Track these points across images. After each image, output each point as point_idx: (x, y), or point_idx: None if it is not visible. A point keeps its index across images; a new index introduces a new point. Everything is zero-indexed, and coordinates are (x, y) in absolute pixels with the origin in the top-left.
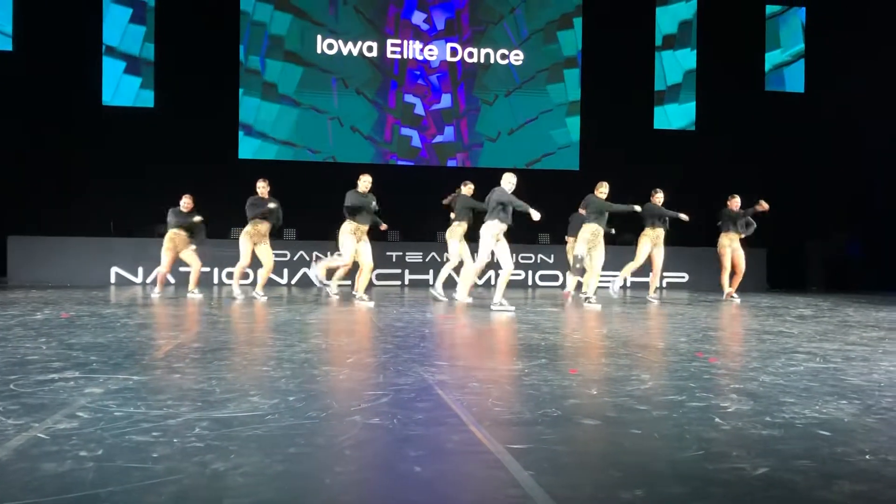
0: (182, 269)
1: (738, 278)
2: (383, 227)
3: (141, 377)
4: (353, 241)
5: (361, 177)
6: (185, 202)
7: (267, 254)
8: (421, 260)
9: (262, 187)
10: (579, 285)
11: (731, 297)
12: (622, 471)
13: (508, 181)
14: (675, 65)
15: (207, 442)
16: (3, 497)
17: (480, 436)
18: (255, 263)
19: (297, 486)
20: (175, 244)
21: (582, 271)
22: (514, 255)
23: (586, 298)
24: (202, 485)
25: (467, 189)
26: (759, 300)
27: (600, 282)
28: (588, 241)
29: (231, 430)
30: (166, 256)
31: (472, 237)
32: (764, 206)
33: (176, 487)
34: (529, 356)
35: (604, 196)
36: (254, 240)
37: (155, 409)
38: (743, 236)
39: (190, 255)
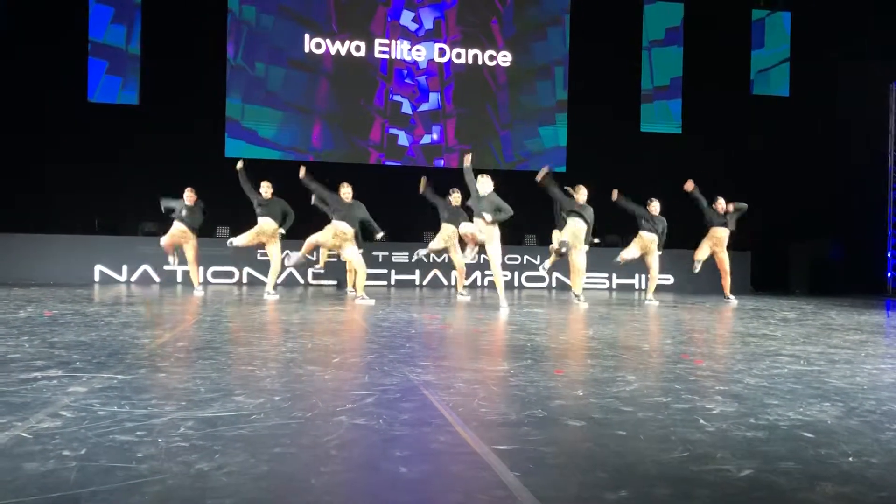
0: (166, 267)
1: (726, 280)
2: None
3: (125, 376)
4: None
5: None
6: (188, 195)
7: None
8: (407, 260)
9: (266, 187)
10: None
11: (727, 298)
12: (607, 472)
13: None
14: (663, 67)
15: (192, 441)
16: None
17: (466, 436)
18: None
19: (282, 487)
20: (174, 236)
21: (559, 252)
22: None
23: (576, 296)
24: (186, 485)
25: (454, 198)
26: (744, 303)
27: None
28: (572, 237)
29: (216, 429)
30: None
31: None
32: (689, 185)
33: (160, 487)
34: (515, 357)
35: (582, 199)
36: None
37: (139, 408)
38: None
39: (190, 249)
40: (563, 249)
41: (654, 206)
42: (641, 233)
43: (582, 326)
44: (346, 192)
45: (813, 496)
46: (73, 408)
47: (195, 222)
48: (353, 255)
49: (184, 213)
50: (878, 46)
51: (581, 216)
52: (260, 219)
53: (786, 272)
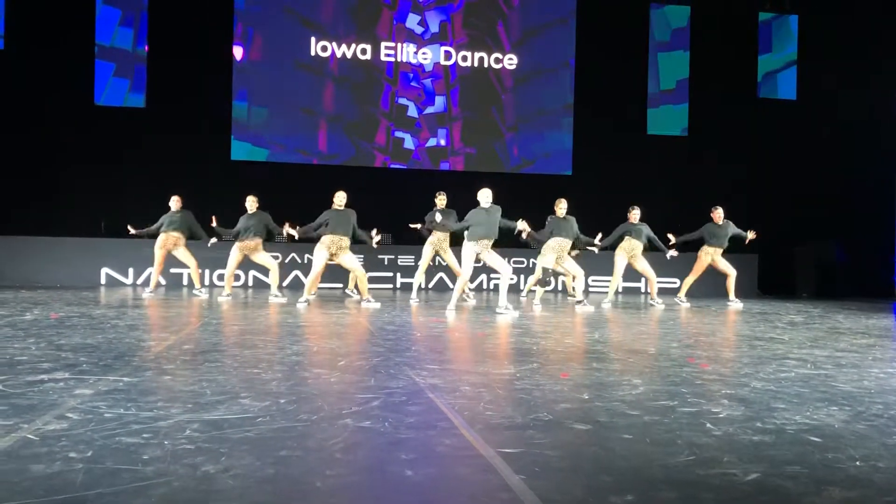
0: (173, 270)
1: (732, 280)
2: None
3: (131, 378)
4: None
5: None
6: (175, 203)
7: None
8: (413, 263)
9: (252, 201)
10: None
11: (730, 300)
12: (613, 475)
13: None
14: (669, 70)
15: (198, 444)
16: None
17: (472, 440)
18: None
19: (287, 489)
20: (165, 244)
21: (545, 282)
22: (507, 259)
23: (578, 301)
24: (192, 487)
25: (440, 200)
26: (750, 306)
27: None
28: (556, 253)
29: (222, 432)
30: (158, 255)
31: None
32: (752, 235)
33: (166, 489)
34: (521, 360)
35: (561, 213)
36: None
37: (145, 410)
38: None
39: (184, 253)
40: (545, 278)
41: (635, 215)
42: (627, 237)
43: (587, 329)
44: (339, 198)
45: (820, 500)
46: (80, 410)
47: (182, 226)
48: (351, 262)
49: (167, 221)
50: (885, 49)
51: (562, 230)
52: (241, 234)
53: (792, 275)
